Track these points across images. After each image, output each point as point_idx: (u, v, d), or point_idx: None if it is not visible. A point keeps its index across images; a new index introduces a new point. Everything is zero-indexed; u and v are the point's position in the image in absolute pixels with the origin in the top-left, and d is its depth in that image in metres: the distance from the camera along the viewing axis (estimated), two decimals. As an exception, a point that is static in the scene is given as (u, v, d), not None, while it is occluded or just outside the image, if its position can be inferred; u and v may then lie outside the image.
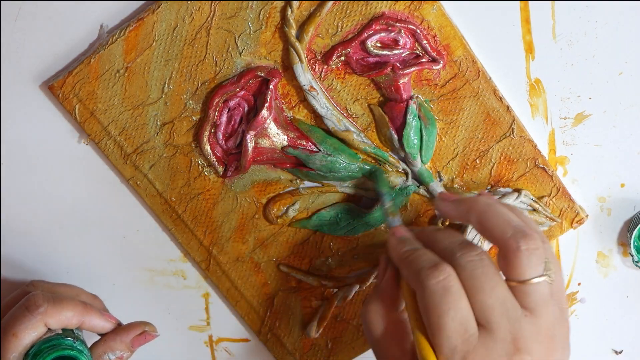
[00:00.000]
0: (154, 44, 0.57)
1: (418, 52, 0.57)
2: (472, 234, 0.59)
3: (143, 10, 0.56)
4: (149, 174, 0.59)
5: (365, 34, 0.55)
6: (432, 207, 0.60)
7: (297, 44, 0.56)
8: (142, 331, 0.57)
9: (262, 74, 0.56)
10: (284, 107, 0.58)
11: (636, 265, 0.62)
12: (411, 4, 0.56)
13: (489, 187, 0.60)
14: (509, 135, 0.59)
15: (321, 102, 0.57)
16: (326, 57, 0.56)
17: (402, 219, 0.57)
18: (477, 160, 0.59)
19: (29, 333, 0.52)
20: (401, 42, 0.56)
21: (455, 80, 0.57)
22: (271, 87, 0.56)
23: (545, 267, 0.47)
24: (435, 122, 0.58)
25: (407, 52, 0.56)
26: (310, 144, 0.58)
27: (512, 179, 0.60)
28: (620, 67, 0.59)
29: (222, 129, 0.58)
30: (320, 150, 0.58)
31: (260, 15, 0.56)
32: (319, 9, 0.55)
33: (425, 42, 0.56)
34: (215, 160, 0.58)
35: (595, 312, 0.64)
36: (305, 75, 0.56)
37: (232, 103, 0.57)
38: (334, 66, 0.57)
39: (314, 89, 0.57)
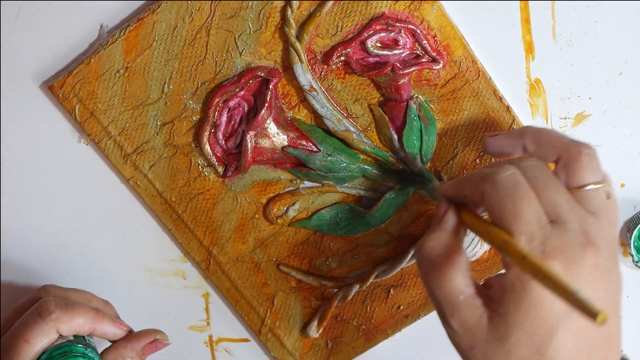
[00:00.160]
0: (154, 44, 0.57)
1: (418, 52, 0.57)
2: (472, 234, 0.59)
3: (143, 10, 0.56)
4: (149, 174, 0.59)
5: (365, 34, 0.55)
6: (433, 207, 0.60)
7: (297, 44, 0.56)
8: (153, 339, 0.57)
9: (262, 74, 0.56)
10: (284, 107, 0.58)
11: (636, 265, 0.62)
12: (411, 4, 0.56)
13: (489, 187, 0.60)
14: (509, 135, 0.59)
15: (321, 102, 0.57)
16: (326, 57, 0.56)
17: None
18: (477, 160, 0.59)
19: (41, 339, 0.52)
20: (401, 42, 0.56)
21: (455, 80, 0.57)
22: (271, 87, 0.56)
23: (604, 178, 0.48)
24: (435, 122, 0.58)
25: (407, 52, 0.56)
26: (310, 144, 0.58)
27: (512, 179, 0.60)
28: (620, 67, 0.59)
29: (222, 129, 0.58)
30: (320, 150, 0.58)
31: (260, 15, 0.56)
32: (319, 9, 0.55)
33: (425, 42, 0.56)
34: (215, 160, 0.58)
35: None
36: (305, 75, 0.56)
37: (232, 103, 0.57)
38: (334, 66, 0.57)
39: (314, 89, 0.57)
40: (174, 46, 0.57)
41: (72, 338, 0.54)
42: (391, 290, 0.62)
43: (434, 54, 0.56)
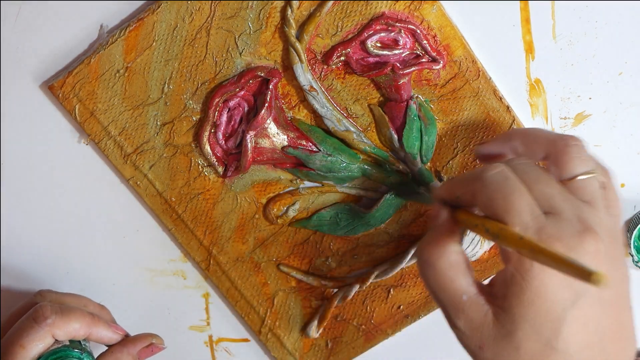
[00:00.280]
0: (154, 44, 0.57)
1: (418, 52, 0.57)
2: (472, 233, 0.59)
3: (143, 10, 0.56)
4: (149, 174, 0.59)
5: (365, 34, 0.55)
6: (431, 207, 0.60)
7: (297, 44, 0.56)
8: (149, 343, 0.57)
9: (262, 74, 0.56)
10: (284, 107, 0.58)
11: (636, 265, 0.62)
12: (411, 4, 0.56)
13: (489, 187, 0.60)
14: (509, 135, 0.59)
15: (321, 102, 0.57)
16: (326, 57, 0.56)
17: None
18: (477, 160, 0.59)
19: (36, 344, 0.52)
20: (401, 42, 0.56)
21: (455, 80, 0.57)
22: (271, 87, 0.56)
23: (595, 167, 0.48)
24: (435, 122, 0.58)
25: (407, 52, 0.56)
26: (310, 144, 0.58)
27: (512, 179, 0.60)
28: (620, 67, 0.59)
29: (222, 129, 0.58)
30: (320, 150, 0.58)
31: (260, 15, 0.56)
32: (319, 9, 0.55)
33: (425, 42, 0.56)
34: (215, 160, 0.58)
35: (595, 312, 0.64)
36: (305, 75, 0.56)
37: (232, 103, 0.57)
38: (334, 66, 0.57)
39: (314, 89, 0.57)
40: (174, 46, 0.57)
41: (67, 343, 0.54)
42: (391, 290, 0.62)
43: (434, 54, 0.56)
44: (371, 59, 0.56)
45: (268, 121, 0.56)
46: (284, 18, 0.56)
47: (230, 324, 0.65)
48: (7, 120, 0.59)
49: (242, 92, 0.57)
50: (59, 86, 0.57)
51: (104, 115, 0.58)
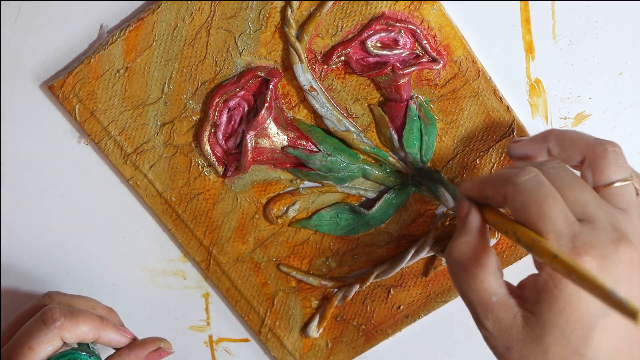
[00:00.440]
0: (154, 44, 0.57)
1: (418, 52, 0.57)
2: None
3: (143, 10, 0.56)
4: (149, 174, 0.59)
5: (365, 34, 0.55)
6: (433, 207, 0.60)
7: (297, 44, 0.56)
8: (157, 347, 0.56)
9: (262, 74, 0.56)
10: (284, 107, 0.58)
11: (636, 265, 0.62)
12: (411, 4, 0.56)
13: (489, 187, 0.60)
14: (509, 135, 0.59)
15: (321, 102, 0.57)
16: (326, 57, 0.56)
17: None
18: (477, 160, 0.59)
19: (45, 347, 0.52)
20: (401, 42, 0.56)
21: (455, 80, 0.57)
22: (271, 87, 0.56)
23: (632, 174, 0.48)
24: (435, 122, 0.58)
25: (407, 52, 0.56)
26: (310, 144, 0.58)
27: (512, 179, 0.60)
28: (620, 67, 0.59)
29: (222, 129, 0.58)
30: (320, 150, 0.58)
31: (260, 15, 0.56)
32: (319, 9, 0.55)
33: (425, 42, 0.56)
34: (215, 160, 0.58)
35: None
36: (305, 75, 0.56)
37: (232, 103, 0.57)
38: (334, 66, 0.57)
39: (314, 89, 0.57)
40: (174, 46, 0.57)
41: (76, 346, 0.54)
42: (391, 290, 0.62)
43: (434, 54, 0.56)
44: (371, 59, 0.56)
45: (268, 121, 0.56)
46: (284, 18, 0.56)
47: (230, 324, 0.65)
48: (7, 120, 0.59)
49: (242, 92, 0.57)
50: (59, 86, 0.57)
51: (104, 115, 0.58)
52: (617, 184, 0.47)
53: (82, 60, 0.57)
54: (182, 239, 0.61)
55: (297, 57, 0.56)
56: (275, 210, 0.60)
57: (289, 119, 0.58)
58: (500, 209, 0.49)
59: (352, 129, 0.58)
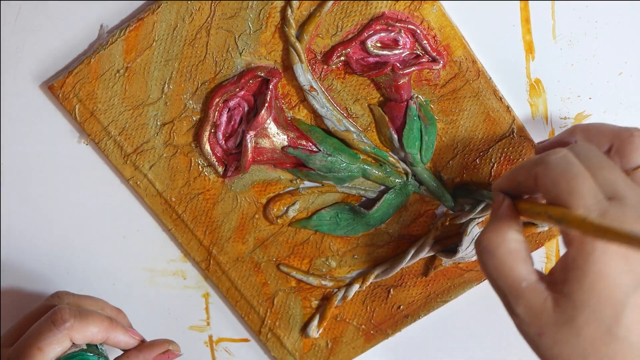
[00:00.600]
0: (154, 44, 0.57)
1: (418, 52, 0.57)
2: (473, 232, 0.59)
3: (143, 10, 0.56)
4: (149, 174, 0.59)
5: (365, 34, 0.55)
6: (433, 207, 0.60)
7: (297, 44, 0.56)
8: (165, 350, 0.56)
9: (262, 74, 0.56)
10: (284, 107, 0.58)
11: (636, 265, 0.62)
12: (411, 4, 0.56)
13: (489, 187, 0.60)
14: (509, 135, 0.59)
15: (321, 102, 0.57)
16: (326, 57, 0.56)
17: None
18: (477, 160, 0.59)
19: (54, 348, 0.52)
20: (401, 42, 0.56)
21: (455, 80, 0.57)
22: (271, 87, 0.56)
23: None
24: (435, 122, 0.58)
25: (407, 52, 0.56)
26: (310, 144, 0.58)
27: (512, 179, 0.60)
28: (620, 67, 0.59)
29: (222, 129, 0.58)
30: (320, 150, 0.58)
31: (260, 15, 0.56)
32: (319, 9, 0.55)
33: (425, 42, 0.56)
34: (215, 160, 0.58)
35: (595, 312, 0.64)
36: (305, 75, 0.56)
37: (232, 103, 0.57)
38: (334, 66, 0.57)
39: (314, 89, 0.57)
40: (174, 46, 0.57)
41: (85, 347, 0.54)
42: (391, 290, 0.62)
43: (434, 54, 0.56)
44: (371, 59, 0.56)
45: (268, 121, 0.56)
46: (284, 18, 0.56)
47: (230, 324, 0.65)
48: (7, 120, 0.59)
49: (242, 92, 0.57)
50: (59, 86, 0.57)
51: (104, 115, 0.58)
52: None
53: (82, 60, 0.57)
54: (182, 239, 0.61)
55: (297, 57, 0.56)
56: (275, 210, 0.60)
57: (289, 119, 0.58)
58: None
59: (352, 129, 0.58)
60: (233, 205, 0.60)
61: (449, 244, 0.61)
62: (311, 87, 0.57)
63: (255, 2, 0.55)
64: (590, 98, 0.59)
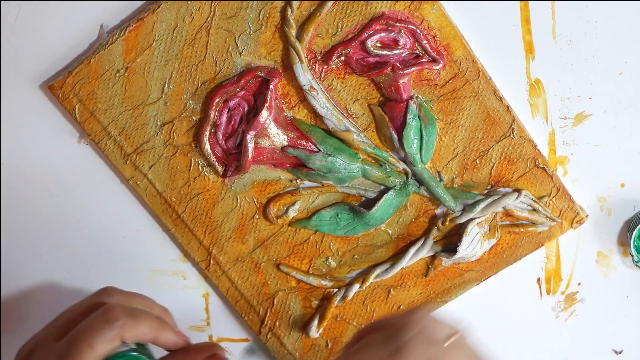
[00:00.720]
0: (154, 44, 0.57)
1: (418, 52, 0.56)
2: (473, 232, 0.59)
3: (143, 10, 0.56)
4: (149, 174, 0.59)
5: (365, 34, 0.55)
6: (433, 207, 0.60)
7: (297, 44, 0.56)
8: (213, 354, 0.55)
9: (262, 74, 0.56)
10: (284, 107, 0.58)
11: (636, 265, 0.62)
12: (411, 4, 0.55)
13: (489, 187, 0.60)
14: (509, 135, 0.59)
15: (321, 102, 0.57)
16: (326, 57, 0.56)
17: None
18: (477, 160, 0.59)
19: (105, 346, 0.51)
20: (401, 42, 0.56)
21: (455, 80, 0.57)
22: (271, 87, 0.56)
23: None
24: (435, 122, 0.58)
25: (407, 52, 0.56)
26: (310, 144, 0.58)
27: (512, 179, 0.60)
28: (620, 67, 0.59)
29: (222, 129, 0.58)
30: (320, 150, 0.58)
31: (260, 15, 0.56)
32: (319, 9, 0.55)
33: (425, 42, 0.56)
34: (215, 160, 0.58)
35: (595, 312, 0.64)
36: (305, 75, 0.56)
37: (232, 103, 0.57)
38: (334, 66, 0.57)
39: (314, 89, 0.57)
40: (174, 46, 0.57)
41: (134, 346, 0.53)
42: (391, 290, 0.62)
43: (434, 54, 0.56)
44: (371, 59, 0.56)
45: (268, 121, 0.56)
46: (284, 18, 0.56)
47: (230, 324, 0.65)
48: (7, 120, 0.59)
49: (242, 92, 0.57)
50: (59, 86, 0.57)
51: (104, 115, 0.58)
52: None
53: (82, 60, 0.57)
54: (182, 239, 0.61)
55: (297, 57, 0.56)
56: (275, 210, 0.60)
57: (289, 119, 0.58)
58: None
59: (352, 129, 0.58)
60: (233, 205, 0.60)
61: (449, 244, 0.61)
62: (311, 87, 0.57)
63: (255, 2, 0.55)
64: (590, 98, 0.59)
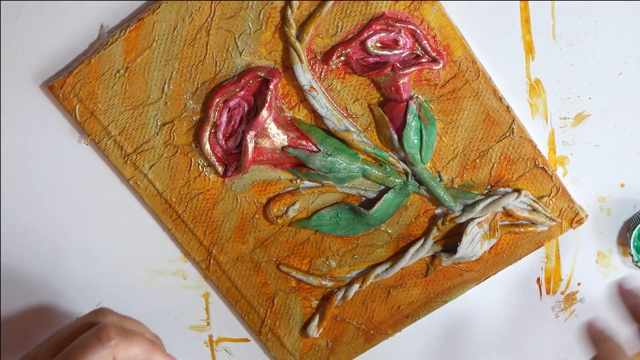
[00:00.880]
0: (154, 44, 0.57)
1: (418, 52, 0.57)
2: (472, 232, 0.59)
3: (143, 10, 0.56)
4: (149, 174, 0.59)
5: (365, 34, 0.55)
6: (433, 207, 0.60)
7: (297, 44, 0.56)
8: None
9: (262, 74, 0.56)
10: (284, 107, 0.58)
11: (636, 265, 0.62)
12: (411, 4, 0.56)
13: (489, 187, 0.60)
14: (509, 135, 0.59)
15: (321, 102, 0.57)
16: (326, 57, 0.56)
17: None
18: (477, 160, 0.59)
19: None
20: (401, 42, 0.56)
21: (455, 80, 0.57)
22: (271, 87, 0.56)
23: None
24: (435, 122, 0.58)
25: (407, 52, 0.56)
26: (310, 144, 0.58)
27: (512, 179, 0.60)
28: (620, 67, 0.59)
29: (222, 129, 0.58)
30: (320, 150, 0.58)
31: (260, 15, 0.56)
32: (319, 9, 0.55)
33: (425, 42, 0.56)
34: (215, 160, 0.58)
35: (595, 312, 0.64)
36: (305, 75, 0.56)
37: (232, 103, 0.57)
38: (334, 66, 0.57)
39: (314, 89, 0.57)
40: (174, 46, 0.57)
41: None
42: (391, 290, 0.62)
43: (434, 54, 0.56)
44: (371, 59, 0.56)
45: (268, 121, 0.56)
46: (284, 18, 0.56)
47: (230, 324, 0.65)
48: (7, 120, 0.59)
49: (242, 92, 0.57)
50: (59, 86, 0.57)
51: (104, 115, 0.58)
52: None
53: (82, 60, 0.57)
54: (182, 239, 0.61)
55: (297, 57, 0.56)
56: (275, 210, 0.60)
57: (289, 119, 0.58)
58: None
59: (352, 129, 0.58)
60: (233, 205, 0.60)
61: (449, 244, 0.61)
62: (311, 87, 0.57)
63: (255, 2, 0.55)
64: (590, 98, 0.59)
